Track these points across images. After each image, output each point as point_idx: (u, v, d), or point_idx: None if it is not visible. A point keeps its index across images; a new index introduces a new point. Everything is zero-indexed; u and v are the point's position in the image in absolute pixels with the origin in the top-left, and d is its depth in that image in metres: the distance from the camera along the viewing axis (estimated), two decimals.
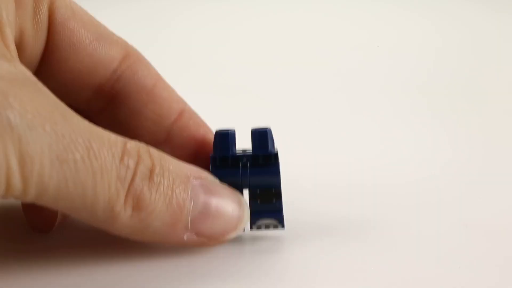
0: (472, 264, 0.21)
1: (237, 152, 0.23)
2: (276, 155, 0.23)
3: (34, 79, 0.19)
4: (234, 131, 0.23)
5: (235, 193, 0.22)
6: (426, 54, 0.61)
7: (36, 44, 0.23)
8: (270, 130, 0.23)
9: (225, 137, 0.23)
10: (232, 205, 0.22)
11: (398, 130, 0.43)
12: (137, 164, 0.20)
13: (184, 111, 0.26)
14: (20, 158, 0.17)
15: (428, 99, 0.50)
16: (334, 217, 0.26)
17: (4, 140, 0.17)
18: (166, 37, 0.66)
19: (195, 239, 0.21)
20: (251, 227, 0.23)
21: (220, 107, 0.46)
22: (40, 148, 0.17)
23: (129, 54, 0.25)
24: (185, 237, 0.21)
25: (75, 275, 0.21)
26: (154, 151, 0.21)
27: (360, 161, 0.35)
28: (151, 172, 0.20)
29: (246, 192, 0.23)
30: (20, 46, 0.22)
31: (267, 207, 0.23)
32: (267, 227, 0.23)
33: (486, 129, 0.42)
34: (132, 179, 0.19)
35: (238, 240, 0.23)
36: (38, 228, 0.24)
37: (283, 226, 0.23)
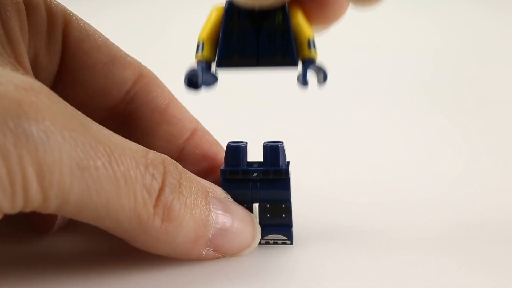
0: (472, 264, 0.21)
1: (248, 164, 0.23)
2: (286, 171, 0.23)
3: (50, 90, 0.18)
4: (246, 145, 0.23)
5: (247, 211, 0.23)
6: (426, 54, 0.61)
7: (50, 66, 0.23)
8: (282, 146, 0.23)
9: (236, 151, 0.23)
10: (246, 222, 0.22)
11: (397, 131, 0.43)
12: (164, 175, 0.19)
13: (197, 129, 0.26)
14: (38, 168, 0.16)
15: (428, 99, 0.50)
16: (335, 219, 0.26)
17: (18, 150, 0.16)
18: (166, 37, 0.66)
19: (211, 255, 0.21)
20: (259, 241, 0.23)
21: (220, 107, 0.46)
22: (59, 156, 0.16)
23: (143, 75, 0.25)
24: (204, 253, 0.21)
25: (75, 276, 0.21)
26: (178, 164, 0.21)
27: (360, 162, 0.35)
28: (180, 184, 0.20)
29: (256, 206, 0.23)
30: (34, 68, 0.22)
31: (276, 222, 0.23)
32: (275, 242, 0.23)
33: (487, 130, 0.42)
34: (161, 189, 0.19)
35: None
36: (38, 228, 0.24)
37: (291, 242, 0.23)
